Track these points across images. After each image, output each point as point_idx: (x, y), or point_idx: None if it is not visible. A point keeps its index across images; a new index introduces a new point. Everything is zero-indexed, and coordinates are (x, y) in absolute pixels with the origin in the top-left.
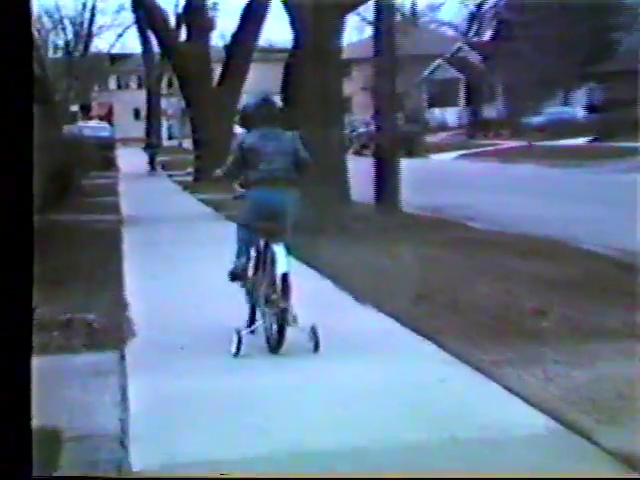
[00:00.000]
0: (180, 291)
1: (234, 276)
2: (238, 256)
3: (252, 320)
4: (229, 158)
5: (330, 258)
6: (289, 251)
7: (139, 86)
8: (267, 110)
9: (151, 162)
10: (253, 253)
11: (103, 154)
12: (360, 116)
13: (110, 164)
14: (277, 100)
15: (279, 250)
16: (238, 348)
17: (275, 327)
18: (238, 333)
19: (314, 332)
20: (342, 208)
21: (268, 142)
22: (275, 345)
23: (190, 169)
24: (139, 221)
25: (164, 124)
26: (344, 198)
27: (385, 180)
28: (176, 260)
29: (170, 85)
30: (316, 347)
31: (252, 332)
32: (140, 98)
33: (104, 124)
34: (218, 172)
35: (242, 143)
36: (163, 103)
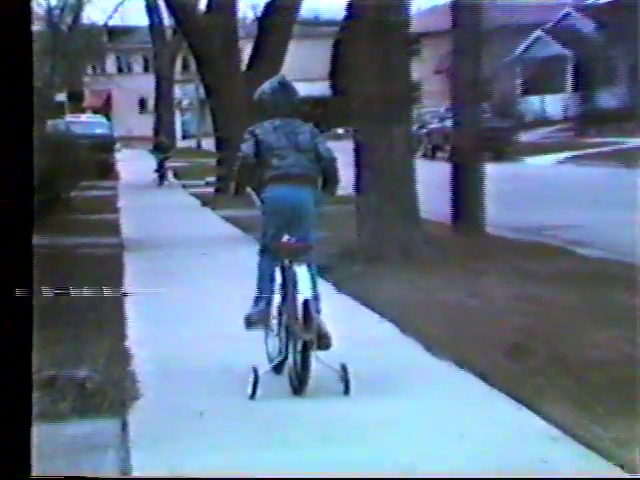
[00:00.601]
0: (197, 338)
1: (250, 323)
2: (258, 297)
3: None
4: (238, 157)
5: (393, 294)
6: (318, 272)
7: (145, 69)
8: (283, 97)
9: (160, 168)
10: (279, 279)
11: (98, 158)
12: (432, 108)
13: (108, 171)
14: (324, 87)
15: (301, 271)
16: (254, 389)
17: (298, 364)
18: (255, 372)
19: (345, 371)
20: (408, 228)
21: (282, 135)
22: (298, 385)
23: (211, 178)
24: (145, 247)
25: (178, 119)
26: (411, 215)
27: (465, 192)
28: (192, 298)
29: (185, 68)
30: (346, 389)
31: (277, 370)
32: (147, 85)
33: (100, 118)
34: (232, 185)
35: (253, 137)
36: (176, 92)
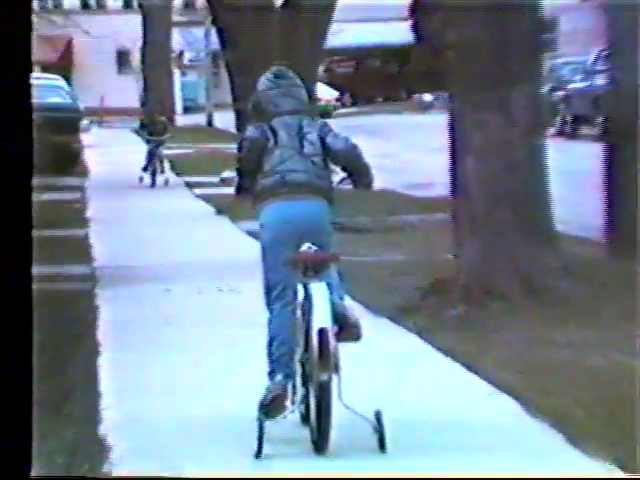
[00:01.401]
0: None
1: (267, 409)
2: (273, 370)
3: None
4: (245, 140)
5: (510, 350)
6: (338, 296)
7: (126, 5)
8: (283, 92)
9: (151, 159)
10: (298, 313)
11: (54, 142)
12: (574, 57)
13: (70, 162)
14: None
15: (318, 291)
16: (260, 446)
17: (315, 412)
18: (259, 422)
19: (379, 420)
20: (535, 248)
21: (285, 135)
22: (317, 439)
23: (229, 172)
24: (128, 279)
25: (177, 80)
26: (540, 228)
27: (627, 191)
28: (201, 367)
29: (189, 5)
30: (382, 443)
31: (305, 419)
32: (129, 29)
33: (55, 81)
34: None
35: (251, 139)
36: (175, 40)
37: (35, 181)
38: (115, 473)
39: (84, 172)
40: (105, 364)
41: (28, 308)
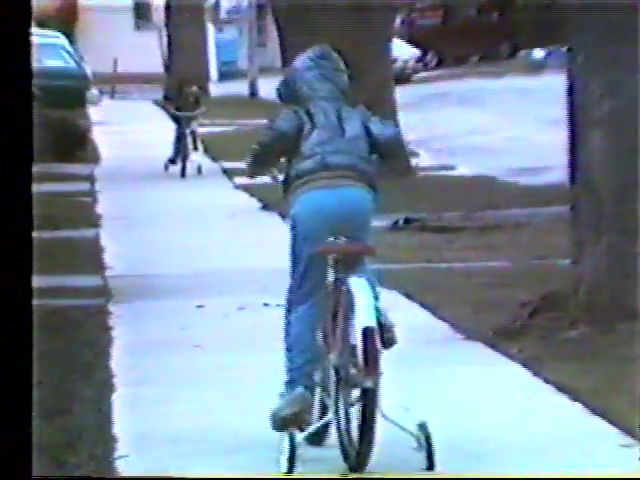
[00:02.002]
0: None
1: (281, 422)
2: (291, 380)
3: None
4: (272, 128)
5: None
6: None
7: None
8: (323, 75)
9: (181, 140)
10: (328, 315)
11: (57, 118)
12: None
13: (75, 143)
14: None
15: (358, 287)
16: (291, 465)
17: (355, 425)
18: (291, 440)
19: (425, 433)
20: None
21: (323, 118)
22: (356, 458)
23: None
24: (151, 293)
25: (211, 38)
26: None
27: None
28: (239, 397)
29: None
30: (430, 461)
31: (314, 439)
32: None
33: (54, 38)
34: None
35: (281, 132)
36: None
37: (35, 167)
38: None
39: (93, 157)
40: (120, 401)
41: (27, 330)
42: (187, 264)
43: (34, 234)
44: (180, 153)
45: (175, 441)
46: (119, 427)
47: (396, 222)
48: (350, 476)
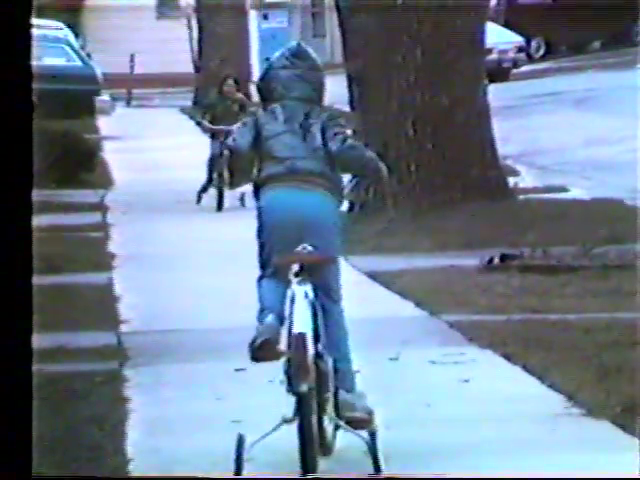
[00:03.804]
0: None
1: (255, 352)
2: (262, 310)
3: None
4: (226, 147)
5: None
6: (327, 296)
7: None
8: (297, 73)
9: (216, 162)
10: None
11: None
12: None
13: (82, 164)
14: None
15: (299, 293)
16: (238, 464)
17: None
18: (239, 442)
19: (373, 439)
20: None
21: (294, 124)
22: (300, 461)
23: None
24: (175, 353)
25: (254, 28)
26: None
27: None
28: None
29: None
30: (376, 464)
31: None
32: None
33: (57, 30)
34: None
35: (252, 119)
36: None
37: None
38: None
39: (103, 181)
40: None
41: (27, 307)
42: (222, 316)
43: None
44: (214, 180)
45: None
46: None
47: (490, 260)
48: (351, 475)
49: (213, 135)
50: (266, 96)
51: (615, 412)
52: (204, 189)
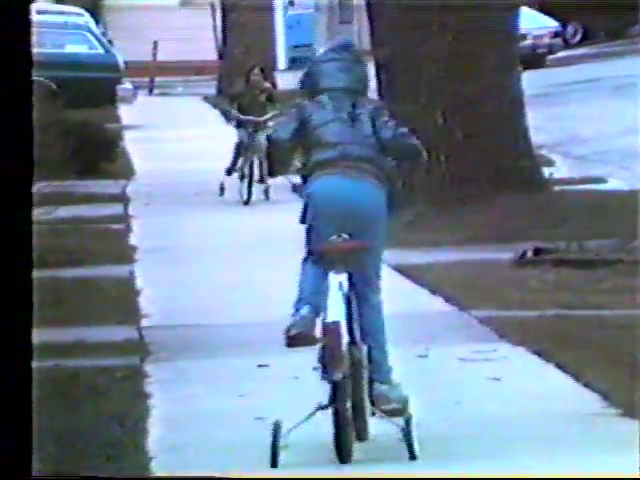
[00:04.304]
0: None
1: (290, 339)
2: (299, 300)
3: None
4: (268, 139)
5: None
6: (363, 287)
7: None
8: (341, 67)
9: (240, 155)
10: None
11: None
12: None
13: (103, 154)
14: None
15: (334, 282)
16: (274, 454)
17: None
18: (275, 428)
19: (408, 425)
20: None
21: (339, 110)
22: (335, 449)
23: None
24: (198, 348)
25: (279, 16)
26: None
27: None
28: None
29: None
30: (411, 451)
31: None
32: None
33: (77, 17)
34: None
35: (297, 110)
36: None
37: (46, 187)
38: None
39: (125, 171)
40: None
41: (28, 306)
42: (246, 311)
43: (48, 273)
44: (240, 170)
45: None
46: None
47: (523, 254)
48: (351, 475)
49: (239, 124)
50: (312, 88)
51: None
52: (228, 172)
